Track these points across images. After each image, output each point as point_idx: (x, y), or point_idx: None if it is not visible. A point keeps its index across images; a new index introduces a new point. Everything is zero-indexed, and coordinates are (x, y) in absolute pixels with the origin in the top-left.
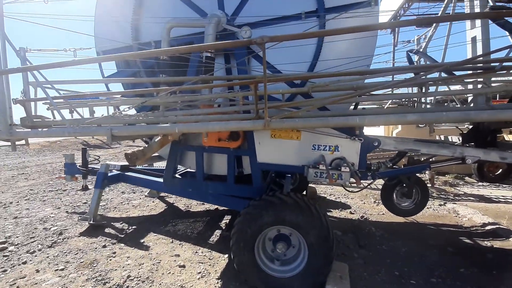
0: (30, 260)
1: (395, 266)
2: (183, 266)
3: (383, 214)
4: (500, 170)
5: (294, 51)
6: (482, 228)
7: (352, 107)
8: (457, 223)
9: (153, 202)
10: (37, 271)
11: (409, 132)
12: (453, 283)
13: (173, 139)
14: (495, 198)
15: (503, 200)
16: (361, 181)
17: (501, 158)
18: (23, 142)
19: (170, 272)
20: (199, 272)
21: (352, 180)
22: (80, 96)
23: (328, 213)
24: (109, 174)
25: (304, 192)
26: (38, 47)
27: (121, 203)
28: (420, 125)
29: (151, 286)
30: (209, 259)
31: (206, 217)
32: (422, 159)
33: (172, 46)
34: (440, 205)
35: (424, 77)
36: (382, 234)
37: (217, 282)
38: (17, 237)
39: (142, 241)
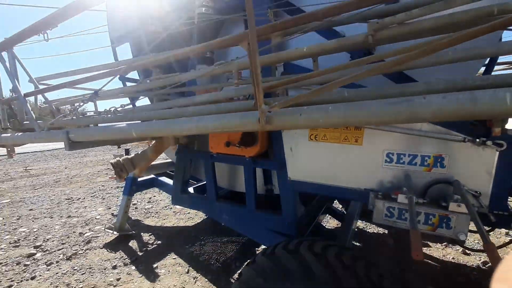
0: (40, 276)
1: None
2: None
3: None
4: None
5: None
6: None
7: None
8: None
9: None
10: None
11: None
12: None
13: (167, 145)
14: None
15: None
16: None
17: None
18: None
19: None
20: None
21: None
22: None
23: (424, 249)
24: (140, 179)
25: None
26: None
27: (165, 207)
28: None
29: None
30: None
31: (244, 237)
32: None
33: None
34: None
35: None
36: None
37: None
38: (53, 241)
39: (155, 265)
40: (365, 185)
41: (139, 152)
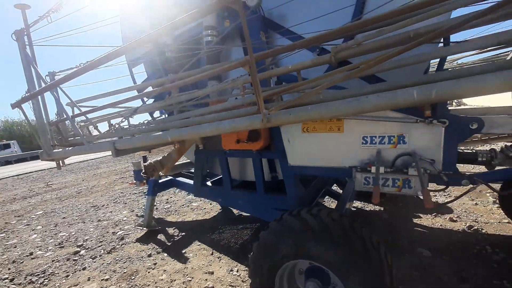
0: (89, 266)
1: None
2: None
3: (508, 222)
4: None
5: (328, 5)
6: None
7: None
8: None
9: (210, 204)
10: (88, 279)
11: None
12: None
13: (189, 146)
14: None
15: None
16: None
17: None
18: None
19: None
20: None
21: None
22: (96, 110)
23: (416, 219)
24: (160, 181)
25: None
26: (59, 68)
27: (182, 205)
28: None
29: None
30: (242, 281)
31: (256, 223)
32: None
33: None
34: None
35: None
36: (504, 260)
37: None
38: (91, 240)
39: (184, 251)
40: (349, 164)
41: (166, 155)
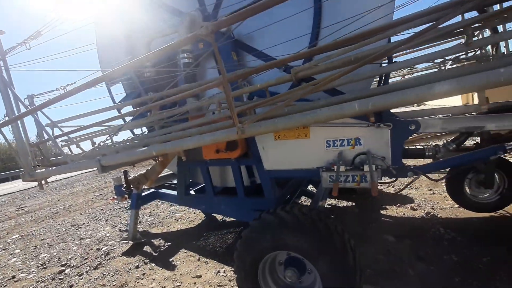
0: (76, 283)
1: (465, 284)
2: None
3: (458, 207)
4: None
5: (294, 31)
6: None
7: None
8: None
9: (194, 213)
10: None
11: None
12: None
13: (171, 159)
14: None
15: None
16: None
17: None
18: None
19: None
20: None
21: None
22: (79, 129)
23: (383, 211)
24: (143, 194)
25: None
26: (39, 90)
27: (166, 217)
28: None
29: None
30: (229, 280)
31: (240, 227)
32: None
33: (158, 62)
34: None
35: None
36: (453, 238)
37: None
38: (75, 258)
39: (171, 259)
40: (316, 165)
41: (150, 168)
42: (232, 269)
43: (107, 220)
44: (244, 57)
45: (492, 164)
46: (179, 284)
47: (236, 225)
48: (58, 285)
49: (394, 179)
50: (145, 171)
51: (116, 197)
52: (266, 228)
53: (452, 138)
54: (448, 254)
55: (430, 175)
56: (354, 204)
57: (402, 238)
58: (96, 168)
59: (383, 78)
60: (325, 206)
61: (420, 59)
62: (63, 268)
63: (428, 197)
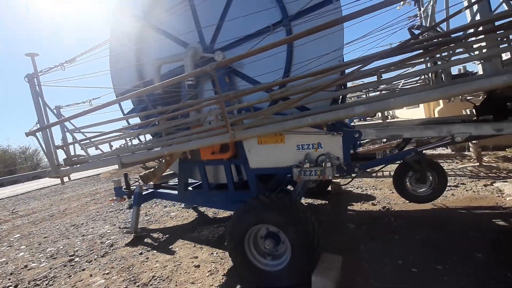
0: (87, 268)
1: (400, 255)
2: (198, 266)
3: (409, 203)
4: None
5: (271, 61)
6: None
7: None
8: (496, 204)
9: (187, 212)
10: (91, 275)
11: (453, 108)
12: (462, 268)
13: (175, 159)
14: None
15: None
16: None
17: (496, 130)
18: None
19: (186, 272)
20: (210, 270)
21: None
22: (101, 135)
23: (350, 206)
24: (144, 193)
25: (329, 188)
26: (66, 102)
27: (162, 216)
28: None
29: (169, 283)
30: (221, 259)
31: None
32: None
33: (164, 79)
34: (486, 185)
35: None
36: (400, 224)
37: (222, 278)
38: (82, 250)
39: (170, 247)
40: (289, 163)
41: (157, 167)
42: (224, 251)
43: (105, 220)
44: (234, 79)
45: (425, 164)
46: (179, 263)
47: (226, 220)
48: (71, 270)
49: (346, 174)
50: (152, 169)
51: (115, 198)
52: (250, 208)
53: (395, 145)
54: (392, 234)
55: (368, 170)
56: (327, 202)
57: (361, 225)
58: (97, 173)
59: (340, 98)
60: (301, 200)
61: (358, 88)
62: (72, 258)
63: (388, 195)
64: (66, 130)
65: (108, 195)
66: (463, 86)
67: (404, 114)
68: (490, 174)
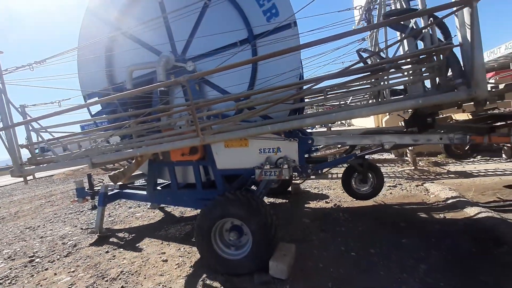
0: (51, 267)
1: (344, 243)
2: (166, 260)
3: (357, 200)
4: (467, 147)
5: (238, 74)
6: (444, 202)
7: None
8: (422, 201)
9: (153, 212)
10: (55, 274)
11: (397, 119)
12: (390, 251)
13: (145, 160)
14: (476, 173)
15: (483, 174)
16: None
17: (414, 140)
18: (30, 177)
19: (155, 266)
20: (177, 263)
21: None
22: (69, 136)
23: (306, 204)
24: (109, 193)
25: (289, 188)
26: (32, 102)
27: (127, 216)
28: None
29: (137, 277)
30: (188, 253)
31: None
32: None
33: (136, 84)
34: (417, 185)
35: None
36: (346, 218)
37: (190, 269)
38: (42, 251)
39: (137, 245)
40: (252, 165)
41: (126, 167)
42: (191, 246)
43: (64, 222)
44: (204, 88)
45: (366, 166)
46: (147, 259)
47: (193, 218)
48: (33, 270)
49: (302, 174)
50: (122, 169)
51: (77, 199)
52: (217, 204)
53: (344, 150)
54: (340, 227)
55: (324, 171)
56: (287, 201)
57: (314, 220)
58: (49, 174)
59: (298, 110)
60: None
61: (309, 103)
62: (32, 258)
63: (340, 195)
64: (31, 128)
65: (66, 197)
66: (386, 106)
67: (358, 122)
68: (422, 176)
